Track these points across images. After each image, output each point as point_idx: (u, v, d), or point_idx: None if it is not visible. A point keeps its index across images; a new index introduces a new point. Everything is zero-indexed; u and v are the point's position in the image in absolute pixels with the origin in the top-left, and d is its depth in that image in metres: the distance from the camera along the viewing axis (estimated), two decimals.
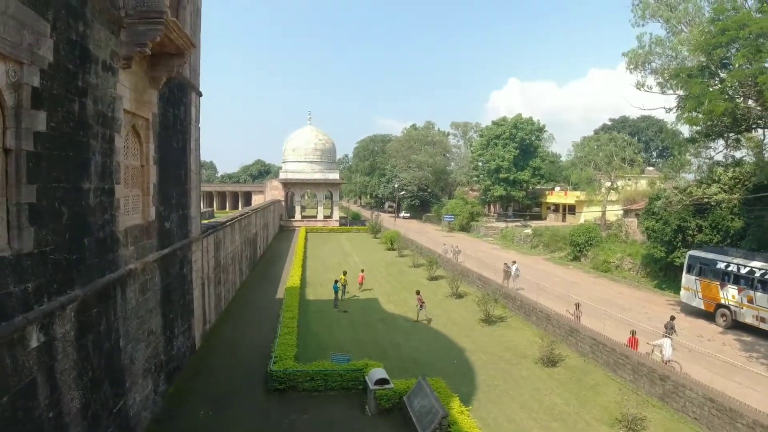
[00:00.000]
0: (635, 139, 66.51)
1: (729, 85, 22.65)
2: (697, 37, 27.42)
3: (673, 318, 21.17)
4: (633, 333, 19.13)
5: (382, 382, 14.78)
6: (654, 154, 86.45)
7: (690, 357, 19.47)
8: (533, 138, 70.14)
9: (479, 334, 23.10)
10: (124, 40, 11.76)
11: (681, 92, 31.85)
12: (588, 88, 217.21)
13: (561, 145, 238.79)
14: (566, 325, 21.49)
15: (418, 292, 26.60)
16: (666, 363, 17.57)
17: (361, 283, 32.91)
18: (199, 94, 20.15)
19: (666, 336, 18.91)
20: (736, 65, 20.39)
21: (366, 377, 15.45)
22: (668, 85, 32.69)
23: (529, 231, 55.01)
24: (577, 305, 22.67)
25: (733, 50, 22.48)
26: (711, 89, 23.33)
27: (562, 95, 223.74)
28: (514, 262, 33.32)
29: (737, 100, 22.79)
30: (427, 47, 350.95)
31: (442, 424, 11.93)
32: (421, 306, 25.33)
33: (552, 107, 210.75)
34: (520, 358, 19.99)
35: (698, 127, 25.72)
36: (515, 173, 67.61)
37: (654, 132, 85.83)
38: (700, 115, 22.77)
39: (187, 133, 18.23)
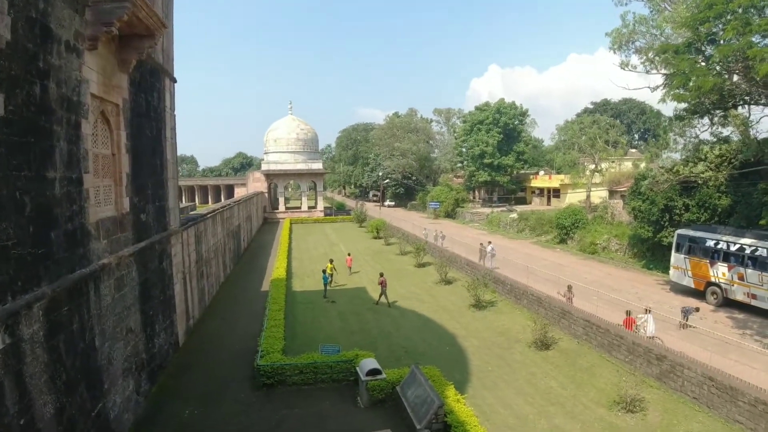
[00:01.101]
0: (617, 122, 66.47)
1: (717, 60, 22.35)
2: (683, 14, 27.15)
3: (697, 309, 21.31)
4: (629, 313, 18.89)
5: (373, 372, 14.29)
6: (636, 136, 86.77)
7: (684, 335, 19.35)
8: (516, 123, 69.90)
9: (470, 320, 22.74)
10: (89, 19, 10.95)
11: (665, 71, 31.69)
12: (567, 74, 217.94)
13: (542, 131, 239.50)
14: (558, 307, 21.19)
15: (381, 275, 26.56)
16: (650, 338, 17.58)
17: (349, 267, 33.65)
18: (174, 80, 19.32)
19: (648, 312, 18.74)
20: (725, 40, 20.05)
21: (357, 368, 14.96)
22: (653, 64, 32.47)
23: (514, 215, 54.84)
24: (569, 287, 22.39)
25: (720, 26, 22.19)
26: (698, 65, 23.07)
27: (542, 81, 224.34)
28: (490, 243, 35.23)
29: (724, 75, 22.51)
30: (407, 36, 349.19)
31: (438, 414, 11.50)
32: (382, 289, 25.38)
33: (532, 93, 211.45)
34: (512, 343, 19.66)
35: (686, 104, 25.42)
36: (499, 158, 67.35)
37: (636, 114, 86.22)
38: (688, 92, 22.43)
39: (162, 120, 17.43)
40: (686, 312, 20.63)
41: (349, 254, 36.20)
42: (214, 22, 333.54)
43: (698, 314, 21.11)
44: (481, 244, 35.37)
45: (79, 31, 10.57)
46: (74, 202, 10.19)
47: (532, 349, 18.89)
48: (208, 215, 26.62)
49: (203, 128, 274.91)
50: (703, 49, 24.68)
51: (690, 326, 20.31)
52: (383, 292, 25.41)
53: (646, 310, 18.81)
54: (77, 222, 10.28)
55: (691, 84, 22.70)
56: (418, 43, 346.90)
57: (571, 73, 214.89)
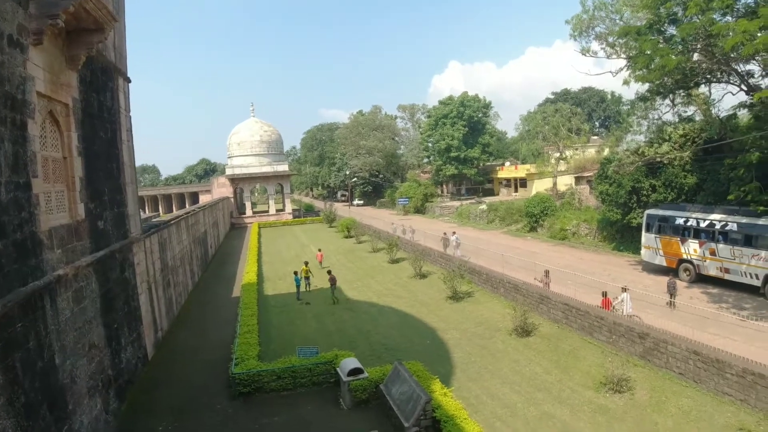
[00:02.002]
0: (579, 109, 67.45)
1: (678, 39, 22.58)
2: None
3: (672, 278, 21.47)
4: (605, 294, 18.86)
5: (355, 372, 13.78)
6: (597, 123, 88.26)
7: (662, 313, 19.42)
8: (480, 115, 70.23)
9: (448, 312, 22.43)
10: (33, 12, 10.11)
11: (625, 56, 32.06)
12: (526, 67, 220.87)
13: (505, 123, 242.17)
14: (536, 293, 21.06)
15: (329, 272, 26.75)
16: (628, 317, 17.65)
17: (320, 262, 35.03)
18: (128, 80, 18.41)
19: (624, 290, 18.79)
20: (688, 17, 20.21)
21: (338, 369, 14.42)
22: (613, 49, 32.83)
23: (484, 207, 55.00)
24: (546, 272, 22.29)
25: (680, 6, 22.42)
26: (660, 46, 23.28)
27: (501, 75, 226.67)
28: (454, 233, 36.23)
29: (687, 54, 22.76)
30: (367, 36, 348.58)
31: (426, 409, 11.06)
32: (332, 286, 25.68)
33: (493, 87, 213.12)
34: (493, 332, 19.41)
35: (649, 85, 25.68)
36: (465, 151, 67.55)
37: (595, 102, 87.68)
38: (652, 72, 22.60)
39: (117, 122, 16.52)
40: (672, 286, 20.60)
41: (319, 250, 38.05)
42: (169, 26, 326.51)
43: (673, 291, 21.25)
44: (444, 233, 36.40)
45: (22, 25, 9.74)
46: (23, 209, 9.37)
47: (513, 336, 18.67)
48: (172, 221, 25.61)
49: (163, 136, 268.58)
50: (664, 29, 24.94)
51: (674, 303, 20.31)
52: (333, 288, 25.72)
53: (623, 289, 18.83)
54: (27, 230, 9.46)
55: (654, 64, 22.91)
56: (378, 43, 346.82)
57: (530, 66, 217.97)
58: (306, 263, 28.89)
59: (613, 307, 18.36)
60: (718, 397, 13.15)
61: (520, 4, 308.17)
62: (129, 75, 18.72)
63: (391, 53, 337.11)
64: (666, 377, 14.62)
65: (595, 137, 71.03)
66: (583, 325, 18.23)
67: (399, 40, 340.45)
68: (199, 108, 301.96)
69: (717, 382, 13.29)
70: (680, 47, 23.27)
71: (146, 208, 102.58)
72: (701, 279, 24.04)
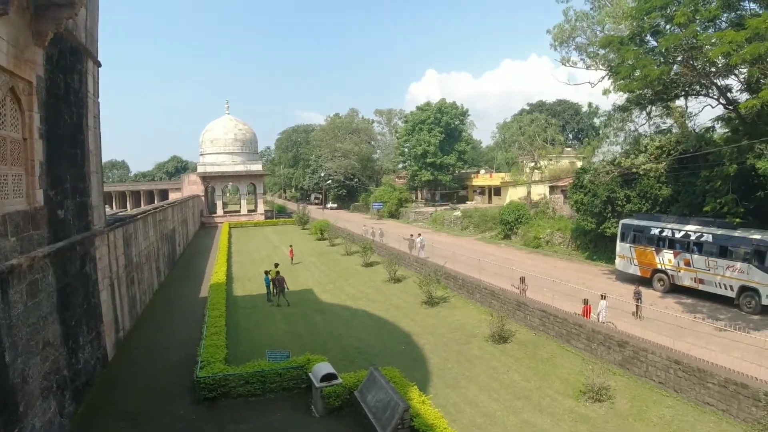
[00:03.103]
0: (555, 120, 68.06)
1: (661, 50, 22.67)
2: (625, 7, 27.62)
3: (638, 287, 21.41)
4: (586, 302, 18.62)
5: (328, 377, 13.06)
6: (570, 135, 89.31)
7: (637, 321, 19.28)
8: (457, 122, 70.37)
9: (423, 317, 21.92)
10: None
11: (604, 68, 32.27)
12: (501, 78, 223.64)
13: (479, 133, 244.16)
14: (513, 299, 20.71)
15: (277, 272, 25.53)
16: (598, 317, 17.82)
17: (291, 258, 36.40)
18: (98, 64, 17.44)
19: (603, 298, 18.68)
20: (676, 26, 20.23)
21: (310, 374, 13.70)
22: (593, 60, 33.03)
23: (458, 213, 54.88)
24: (522, 279, 21.99)
25: (662, 18, 22.53)
26: (642, 56, 23.34)
27: (478, 85, 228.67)
28: (419, 235, 37.85)
29: (669, 65, 22.84)
30: (345, 40, 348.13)
31: (404, 418, 10.44)
32: (281, 289, 24.80)
33: (468, 97, 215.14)
34: (469, 338, 18.96)
35: (629, 95, 25.76)
36: (441, 157, 67.50)
37: (570, 115, 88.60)
38: (634, 82, 22.61)
39: (84, 106, 15.54)
40: (638, 295, 20.66)
41: (291, 246, 39.42)
42: (143, 18, 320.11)
43: (646, 301, 21.21)
44: (411, 235, 37.49)
45: None
46: None
47: (490, 342, 18.25)
48: (139, 216, 24.49)
49: (134, 131, 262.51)
50: (647, 41, 25.08)
51: (640, 312, 20.34)
52: (281, 290, 24.77)
53: (602, 296, 18.67)
54: None
55: (637, 74, 22.96)
56: (357, 48, 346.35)
57: (505, 78, 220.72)
58: (276, 265, 27.89)
59: (597, 315, 18.17)
60: (700, 407, 12.93)
61: (498, 17, 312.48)
62: (100, 60, 17.77)
63: (369, 58, 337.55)
64: (646, 386, 14.38)
65: (569, 149, 71.80)
66: (560, 333, 17.92)
67: (377, 45, 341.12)
68: (172, 104, 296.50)
69: (698, 391, 13.07)
70: (662, 58, 23.38)
71: (114, 204, 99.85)
72: (675, 289, 24.10)
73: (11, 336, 9.39)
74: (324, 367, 13.41)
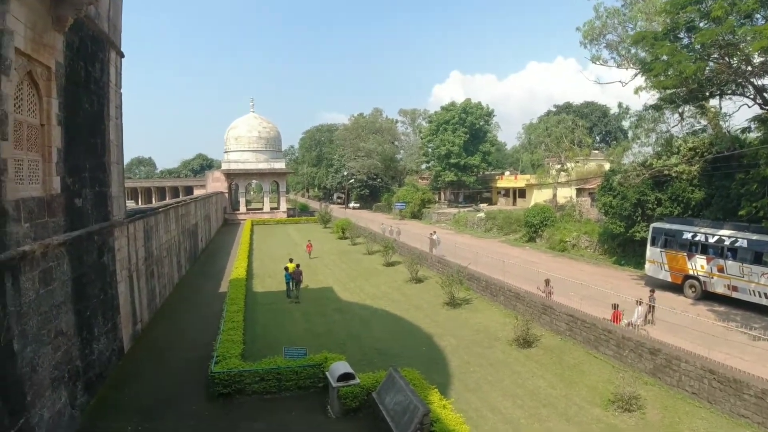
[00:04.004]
0: (582, 121, 66.69)
1: (696, 46, 21.82)
2: (657, 3, 26.72)
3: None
4: (616, 307, 17.86)
5: (345, 377, 12.61)
6: (597, 138, 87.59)
7: (668, 328, 18.42)
8: (482, 123, 69.42)
9: (445, 318, 21.36)
10: None
11: (634, 66, 31.36)
12: (526, 80, 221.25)
13: (503, 135, 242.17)
14: (538, 303, 20.03)
15: (297, 266, 26.01)
16: (631, 325, 17.09)
17: (309, 253, 37.13)
18: (121, 55, 17.31)
19: (639, 303, 17.87)
20: (713, 20, 19.40)
21: (327, 373, 13.25)
22: (625, 59, 32.14)
23: (482, 215, 54.06)
24: (547, 281, 21.28)
25: (697, 13, 21.70)
26: (678, 52, 22.54)
27: (502, 87, 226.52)
28: (434, 232, 38.14)
29: (705, 61, 21.98)
30: (369, 42, 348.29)
31: (423, 422, 9.92)
32: (298, 282, 25.37)
33: (492, 99, 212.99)
34: (492, 341, 18.34)
35: (663, 93, 24.88)
36: (466, 158, 66.67)
37: (597, 117, 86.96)
38: (669, 79, 21.79)
39: (105, 96, 15.40)
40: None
41: (309, 241, 40.27)
42: (170, 18, 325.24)
43: (677, 309, 20.33)
44: (430, 234, 37.29)
45: None
46: None
47: (514, 347, 17.61)
48: (161, 209, 24.42)
49: (161, 129, 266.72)
50: (681, 36, 24.23)
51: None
52: (298, 283, 25.31)
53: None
54: None
55: (671, 71, 22.15)
56: (381, 50, 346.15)
57: (530, 80, 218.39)
58: (291, 260, 27.49)
59: (634, 325, 17.38)
60: (734, 420, 12.19)
61: (525, 18, 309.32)
62: (124, 51, 17.64)
63: (394, 60, 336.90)
64: (678, 396, 13.67)
65: (596, 151, 70.33)
66: (588, 338, 17.21)
67: (402, 47, 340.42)
68: (198, 102, 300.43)
69: (733, 403, 12.32)
70: (697, 55, 22.53)
71: (140, 199, 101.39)
72: (707, 296, 23.08)
73: (21, 324, 9.15)
74: (341, 367, 12.97)
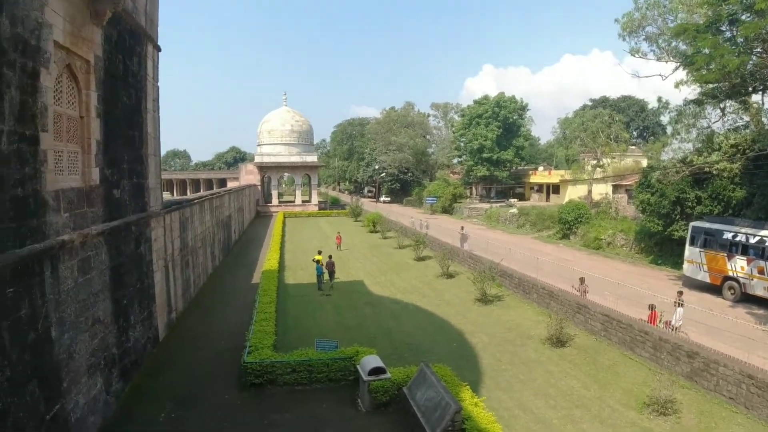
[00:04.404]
0: (620, 115, 65.00)
1: (740, 39, 21.03)
2: None
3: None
4: (653, 307, 17.38)
5: (376, 371, 12.60)
6: (635, 133, 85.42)
7: (706, 331, 17.83)
8: (516, 117, 68.34)
9: (476, 315, 21.15)
10: None
11: (675, 61, 30.44)
12: (561, 74, 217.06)
13: (536, 130, 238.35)
14: (572, 301, 19.64)
15: (330, 257, 27.16)
16: (669, 326, 16.65)
17: (339, 245, 37.92)
18: (158, 49, 17.59)
19: (679, 305, 17.27)
20: (751, 15, 18.66)
21: (358, 366, 13.26)
22: (665, 52, 31.24)
23: (514, 210, 53.37)
24: (582, 279, 20.84)
25: (741, 7, 20.94)
26: (720, 45, 21.78)
27: (535, 81, 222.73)
28: (462, 227, 40.22)
29: (748, 55, 21.17)
30: (402, 36, 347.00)
31: (455, 420, 9.83)
32: (331, 273, 26.25)
33: (525, 93, 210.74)
34: (524, 339, 18.08)
35: (706, 87, 24.06)
36: (498, 153, 65.84)
37: (635, 112, 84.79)
38: (712, 72, 21.05)
39: (142, 89, 15.68)
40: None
41: (338, 232, 41.24)
42: (205, 13, 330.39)
43: (715, 310, 19.65)
44: (460, 229, 38.23)
45: None
46: (27, 164, 8.50)
47: (547, 345, 17.32)
48: (196, 201, 24.84)
49: (196, 122, 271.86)
50: (723, 29, 23.40)
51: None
52: (332, 274, 26.25)
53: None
54: (30, 187, 8.58)
55: (713, 65, 21.43)
56: (413, 43, 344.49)
57: (565, 74, 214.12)
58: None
59: (674, 327, 16.85)
60: None
61: (559, 10, 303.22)
62: (161, 46, 17.92)
63: (426, 54, 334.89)
64: (715, 401, 13.25)
65: (633, 147, 68.59)
66: (624, 339, 16.79)
67: (434, 40, 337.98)
68: (232, 97, 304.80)
69: None
70: (741, 48, 21.71)
71: (174, 191, 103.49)
72: (747, 299, 22.29)
73: (59, 311, 9.39)
74: (372, 360, 12.96)
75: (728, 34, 23.41)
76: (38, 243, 8.67)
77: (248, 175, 69.91)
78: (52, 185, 9.44)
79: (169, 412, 12.10)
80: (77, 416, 10.01)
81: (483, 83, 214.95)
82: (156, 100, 17.40)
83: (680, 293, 19.03)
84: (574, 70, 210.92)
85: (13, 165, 8.08)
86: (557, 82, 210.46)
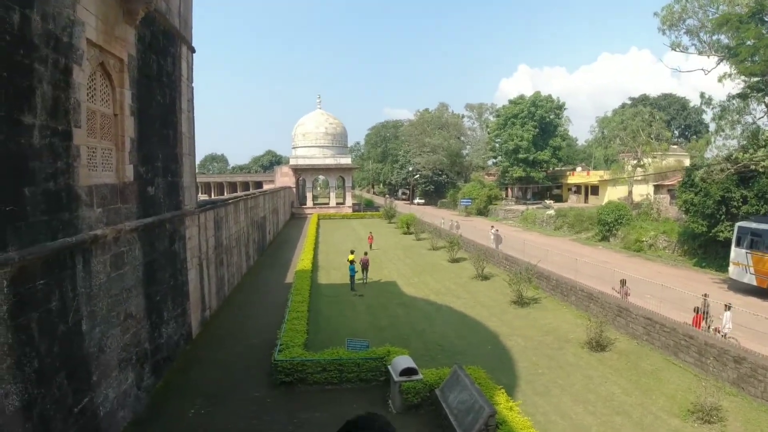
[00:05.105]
0: (661, 113, 62.83)
1: None
2: None
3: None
4: (697, 311, 16.56)
5: (408, 372, 12.29)
6: (676, 132, 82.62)
7: (753, 336, 16.89)
8: (553, 116, 66.89)
9: (512, 317, 20.62)
10: None
11: (718, 54, 29.23)
12: (598, 73, 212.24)
13: (573, 130, 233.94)
14: (613, 304, 18.91)
15: (365, 254, 27.86)
16: (718, 332, 15.92)
17: (371, 244, 37.87)
18: (192, 50, 17.76)
19: (727, 308, 16.37)
20: None
21: (389, 367, 12.98)
22: (706, 45, 30.14)
23: (551, 212, 52.24)
24: (623, 282, 20.06)
25: None
26: (765, 35, 20.78)
27: (572, 81, 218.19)
28: (493, 226, 40.94)
29: None
30: (436, 36, 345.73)
31: (489, 424, 9.44)
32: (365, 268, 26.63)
33: (562, 93, 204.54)
34: (563, 343, 17.48)
35: (751, 79, 23.00)
36: (535, 153, 64.49)
37: (676, 110, 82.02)
38: (757, 64, 20.07)
39: (177, 89, 15.83)
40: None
41: (370, 232, 41.46)
42: (241, 19, 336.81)
43: (762, 315, 18.60)
44: (495, 231, 37.03)
45: None
46: (59, 158, 8.59)
47: (586, 350, 16.68)
48: (230, 201, 25.08)
49: (233, 127, 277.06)
50: (767, 19, 22.37)
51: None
52: (365, 269, 26.69)
53: (726, 306, 16.44)
54: (62, 182, 8.66)
55: (758, 56, 20.45)
56: (446, 44, 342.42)
57: (602, 73, 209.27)
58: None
59: (722, 333, 16.01)
60: None
61: (596, 7, 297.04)
62: (196, 48, 18.12)
63: (460, 55, 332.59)
64: (762, 409, 12.50)
65: (675, 146, 66.30)
66: (667, 344, 16.03)
67: (468, 41, 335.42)
68: (268, 100, 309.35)
69: None
70: None
71: (212, 193, 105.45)
72: None
73: (90, 305, 9.44)
74: (404, 361, 12.66)
75: None
76: (70, 237, 8.73)
77: (283, 178, 70.59)
78: (86, 180, 9.52)
79: (198, 409, 12.08)
80: (106, 410, 10.05)
81: (518, 83, 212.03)
82: (191, 100, 17.56)
83: (705, 295, 18.03)
84: (612, 69, 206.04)
85: (45, 159, 8.15)
86: (595, 81, 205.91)
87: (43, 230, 7.98)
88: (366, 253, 27.40)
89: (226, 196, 28.79)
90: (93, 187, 9.85)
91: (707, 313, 17.30)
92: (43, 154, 8.07)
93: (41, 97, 8.04)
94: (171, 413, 11.87)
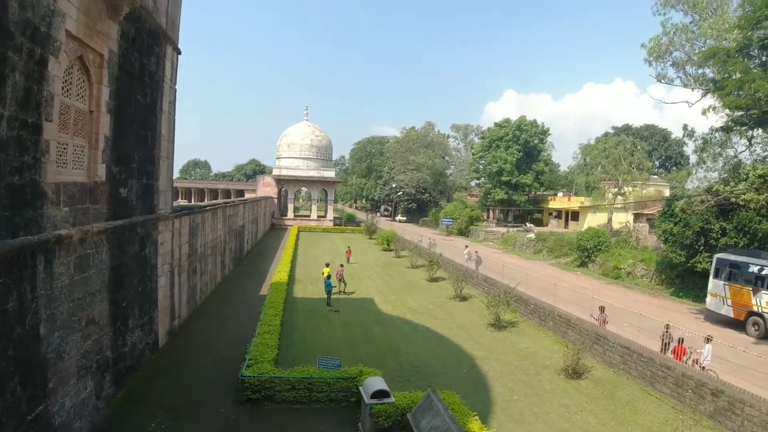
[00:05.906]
0: (643, 143, 63.84)
1: None
2: (729, 20, 25.40)
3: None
4: (681, 341, 16.46)
5: (380, 394, 11.85)
6: (657, 163, 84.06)
7: (730, 368, 16.84)
8: (537, 141, 67.58)
9: (489, 340, 20.33)
10: None
11: (702, 88, 29.74)
12: (582, 102, 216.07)
13: (556, 157, 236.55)
14: (591, 331, 18.77)
15: (341, 266, 29.08)
16: (696, 364, 15.83)
17: (348, 258, 38.23)
18: (178, 51, 17.42)
19: (708, 341, 16.33)
20: None
21: (360, 388, 12.52)
22: (691, 78, 30.67)
23: (531, 236, 52.43)
24: (602, 309, 19.95)
25: None
26: (752, 71, 21.16)
27: (557, 108, 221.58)
28: (467, 246, 41.45)
29: None
30: (424, 58, 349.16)
31: None
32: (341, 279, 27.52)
33: (547, 119, 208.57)
34: (539, 368, 17.22)
35: (735, 114, 23.37)
36: (517, 177, 64.96)
37: (657, 141, 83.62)
38: (743, 98, 20.38)
39: (159, 90, 15.44)
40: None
41: (348, 247, 41.52)
42: (228, 28, 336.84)
43: (738, 347, 18.63)
44: (475, 252, 36.58)
45: None
46: (27, 152, 8.17)
47: (562, 377, 16.44)
48: (208, 207, 24.54)
49: (217, 134, 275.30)
50: (754, 54, 22.81)
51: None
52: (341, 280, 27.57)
53: (706, 339, 16.38)
54: (28, 177, 8.23)
55: (743, 90, 20.80)
56: (435, 65, 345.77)
57: (587, 102, 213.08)
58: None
59: (701, 366, 15.91)
60: None
61: (583, 38, 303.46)
62: (182, 50, 17.77)
63: (448, 76, 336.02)
64: None
65: (655, 176, 67.31)
66: (644, 374, 15.90)
67: (456, 64, 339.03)
68: (254, 109, 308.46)
69: None
70: None
71: (193, 199, 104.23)
72: None
73: (50, 308, 8.95)
74: (376, 383, 12.24)
75: (759, 60, 22.84)
76: (32, 235, 8.27)
77: (266, 188, 69.99)
78: (53, 177, 9.09)
79: (159, 423, 11.50)
80: (62, 419, 9.49)
81: (504, 108, 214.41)
82: (173, 102, 17.17)
83: (667, 326, 17.93)
84: (597, 99, 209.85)
85: (12, 152, 7.74)
86: (579, 109, 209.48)
87: (3, 226, 7.54)
88: (342, 266, 27.31)
89: (204, 202, 28.23)
90: (61, 184, 9.42)
91: (669, 344, 17.27)
92: (9, 147, 7.66)
93: (12, 87, 7.65)
94: (131, 425, 11.28)
